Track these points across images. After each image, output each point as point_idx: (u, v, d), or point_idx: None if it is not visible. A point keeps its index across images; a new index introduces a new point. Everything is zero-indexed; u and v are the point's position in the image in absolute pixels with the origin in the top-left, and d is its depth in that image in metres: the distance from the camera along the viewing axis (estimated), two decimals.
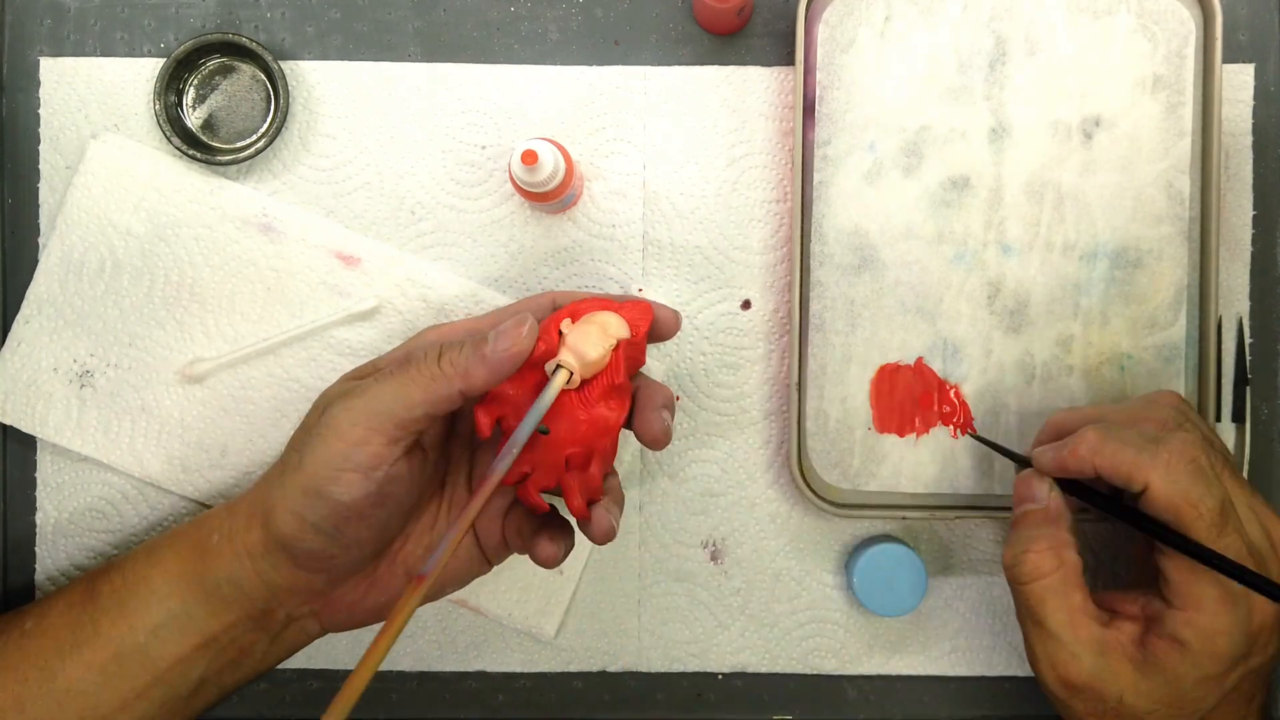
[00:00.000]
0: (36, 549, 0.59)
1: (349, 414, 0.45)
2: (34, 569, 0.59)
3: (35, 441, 0.59)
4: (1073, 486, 0.50)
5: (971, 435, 0.57)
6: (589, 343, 0.48)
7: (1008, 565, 0.49)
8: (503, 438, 0.47)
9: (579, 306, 0.50)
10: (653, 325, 0.51)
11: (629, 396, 0.50)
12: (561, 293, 0.53)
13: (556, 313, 0.50)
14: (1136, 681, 0.46)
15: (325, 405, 0.46)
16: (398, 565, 0.50)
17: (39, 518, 0.59)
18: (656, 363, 0.59)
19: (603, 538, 0.48)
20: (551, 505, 0.50)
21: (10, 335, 0.58)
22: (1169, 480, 0.45)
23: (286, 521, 0.46)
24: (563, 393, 0.48)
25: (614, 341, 0.48)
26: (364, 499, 0.45)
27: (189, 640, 0.48)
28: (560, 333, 0.48)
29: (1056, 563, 0.48)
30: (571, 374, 0.48)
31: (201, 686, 0.49)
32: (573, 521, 0.50)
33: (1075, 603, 0.47)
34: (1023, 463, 0.53)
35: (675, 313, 0.52)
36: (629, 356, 0.49)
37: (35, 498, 0.59)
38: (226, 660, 0.49)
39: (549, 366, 0.48)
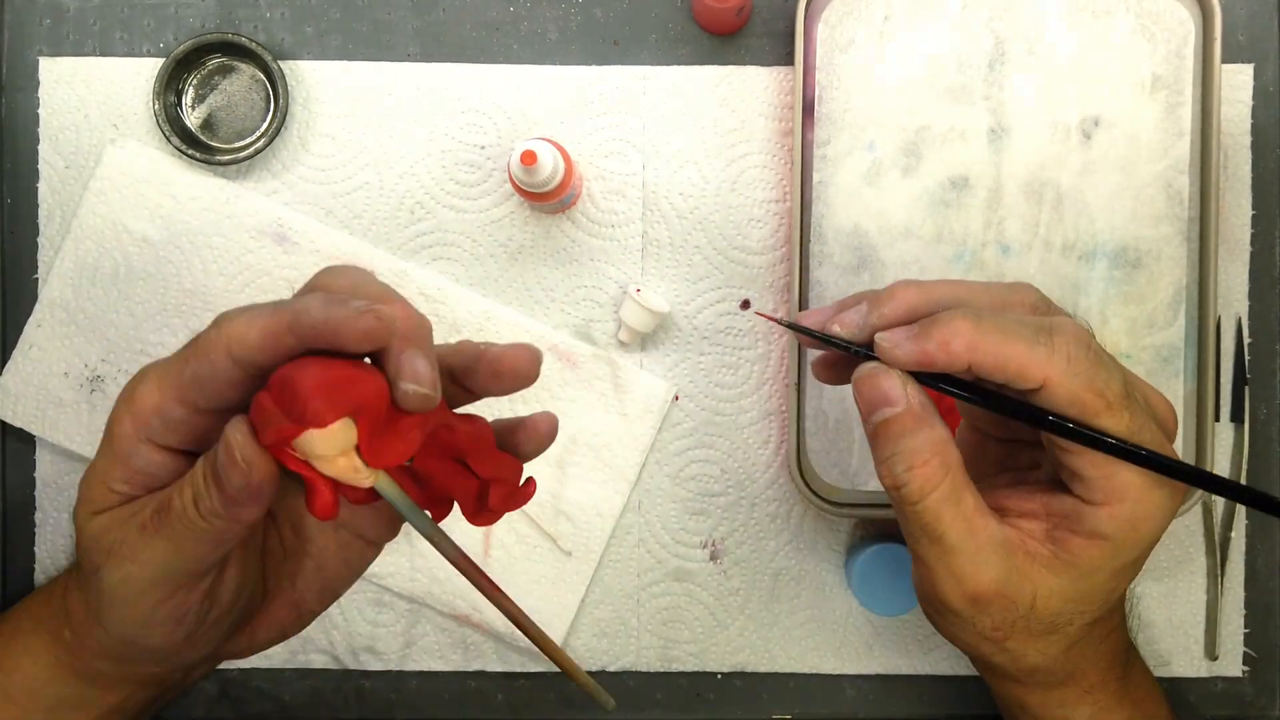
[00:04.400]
0: (36, 549, 0.59)
1: (127, 586, 0.38)
2: (34, 569, 0.59)
3: (35, 440, 0.59)
4: (933, 378, 0.42)
5: (760, 315, 0.52)
6: (337, 471, 0.35)
7: (892, 488, 0.42)
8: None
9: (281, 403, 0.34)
10: (477, 375, 0.37)
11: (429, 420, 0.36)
12: (234, 331, 0.37)
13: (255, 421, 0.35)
14: (1048, 580, 0.42)
15: (94, 566, 0.38)
16: (286, 595, 0.43)
17: (39, 517, 0.59)
18: (658, 364, 0.59)
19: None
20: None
21: (22, 338, 0.58)
22: (1072, 373, 0.39)
23: (123, 651, 0.41)
24: (397, 473, 0.37)
25: (349, 442, 0.35)
26: (188, 633, 0.39)
27: (90, 714, 0.45)
28: (291, 450, 0.35)
29: (944, 469, 0.41)
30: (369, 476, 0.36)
31: None
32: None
33: (969, 506, 0.41)
34: (860, 353, 0.42)
35: (529, 351, 0.38)
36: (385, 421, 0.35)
37: (35, 497, 0.59)
38: (138, 708, 0.46)
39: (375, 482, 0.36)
